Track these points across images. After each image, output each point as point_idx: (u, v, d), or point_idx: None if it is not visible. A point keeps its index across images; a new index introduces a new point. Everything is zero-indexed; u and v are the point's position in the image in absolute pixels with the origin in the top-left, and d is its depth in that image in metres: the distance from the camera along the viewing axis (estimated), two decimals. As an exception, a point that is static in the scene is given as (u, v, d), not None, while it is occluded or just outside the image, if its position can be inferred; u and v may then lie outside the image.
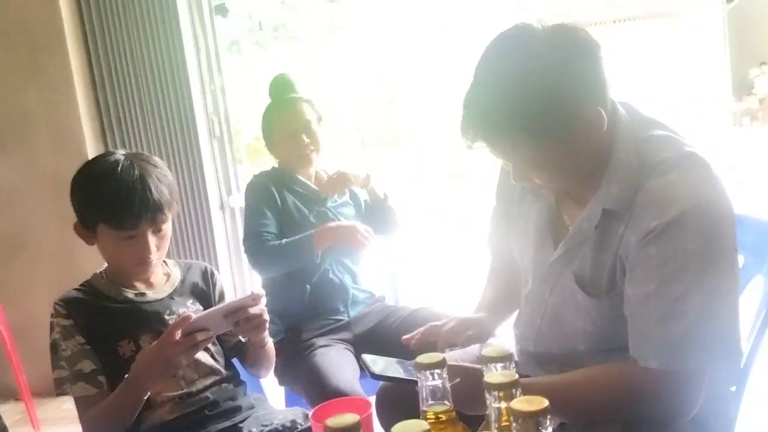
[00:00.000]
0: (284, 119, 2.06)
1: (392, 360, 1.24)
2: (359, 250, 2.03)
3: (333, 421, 0.61)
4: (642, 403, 1.09)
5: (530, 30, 1.11)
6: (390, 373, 1.16)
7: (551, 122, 1.07)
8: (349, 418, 0.61)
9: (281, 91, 2.10)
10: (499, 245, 1.50)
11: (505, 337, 1.47)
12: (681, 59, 11.39)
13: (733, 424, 1.24)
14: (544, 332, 1.29)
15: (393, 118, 13.55)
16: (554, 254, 1.24)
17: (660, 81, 11.01)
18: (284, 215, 2.00)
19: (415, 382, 1.12)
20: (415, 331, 1.41)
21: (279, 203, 2.01)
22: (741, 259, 1.41)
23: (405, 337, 1.41)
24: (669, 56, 11.47)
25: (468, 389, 0.89)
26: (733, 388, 1.26)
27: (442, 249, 6.85)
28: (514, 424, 0.57)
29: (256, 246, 1.95)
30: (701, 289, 1.04)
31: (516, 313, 1.44)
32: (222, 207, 3.28)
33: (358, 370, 1.81)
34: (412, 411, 0.80)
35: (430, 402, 0.73)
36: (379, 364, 1.19)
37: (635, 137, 1.15)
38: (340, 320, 1.99)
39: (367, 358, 1.20)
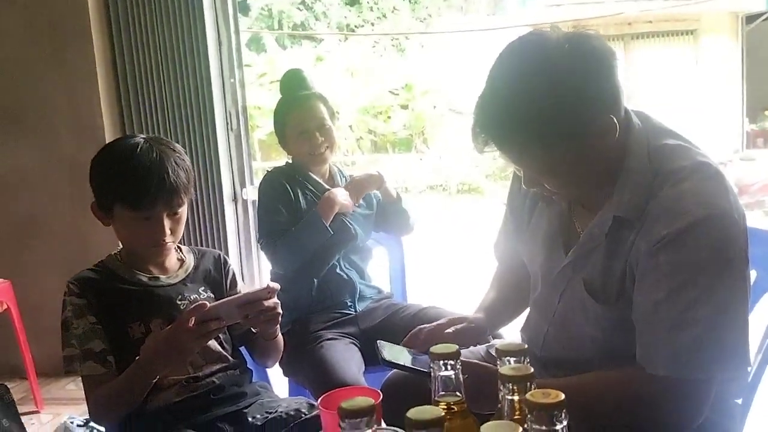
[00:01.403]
0: (297, 116, 2.03)
1: (405, 350, 1.24)
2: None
3: (348, 404, 0.62)
4: (648, 409, 1.09)
5: (545, 37, 1.11)
6: (401, 361, 1.16)
7: (563, 130, 1.08)
8: (365, 401, 0.62)
9: (294, 86, 2.07)
10: (506, 251, 1.50)
11: (510, 340, 1.47)
12: (697, 78, 11.37)
13: (739, 435, 1.24)
14: (552, 337, 1.30)
15: (406, 122, 13.57)
16: (565, 260, 1.24)
17: (675, 99, 10.99)
18: (298, 213, 1.99)
19: (425, 374, 1.13)
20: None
21: (293, 200, 2.00)
22: (753, 274, 1.41)
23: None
24: (685, 74, 11.46)
25: (478, 386, 0.90)
26: (740, 401, 1.26)
27: (452, 250, 6.85)
28: (529, 416, 0.57)
29: (272, 242, 1.96)
30: (711, 298, 1.04)
31: (521, 317, 1.45)
32: (235, 199, 3.30)
33: (363, 364, 1.82)
34: (418, 405, 0.80)
35: (442, 392, 0.74)
36: (391, 351, 1.19)
37: (648, 146, 1.15)
38: (348, 314, 2.00)
39: (383, 344, 1.20)
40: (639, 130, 1.17)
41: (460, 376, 0.74)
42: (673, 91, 11.23)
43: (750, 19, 11.83)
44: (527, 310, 1.44)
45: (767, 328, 1.30)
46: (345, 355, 1.81)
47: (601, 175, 1.16)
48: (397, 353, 1.21)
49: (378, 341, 1.24)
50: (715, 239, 1.05)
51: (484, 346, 1.48)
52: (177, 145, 1.46)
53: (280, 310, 1.37)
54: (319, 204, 1.97)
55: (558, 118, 1.07)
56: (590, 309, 1.20)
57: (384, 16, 14.99)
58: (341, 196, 2.00)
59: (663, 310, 1.07)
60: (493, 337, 1.64)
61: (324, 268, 2.00)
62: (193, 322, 1.25)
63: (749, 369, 1.19)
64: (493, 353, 1.40)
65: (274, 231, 1.97)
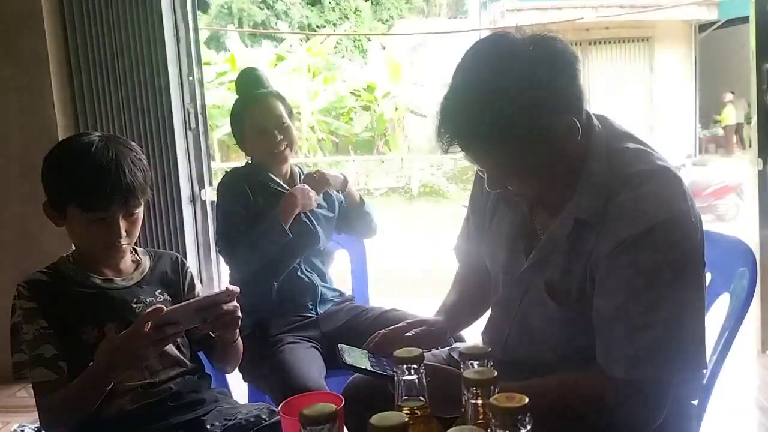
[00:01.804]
0: (255, 115, 2.00)
1: (366, 353, 1.23)
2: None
3: (310, 410, 0.60)
4: (608, 411, 1.10)
5: (509, 39, 1.12)
6: (362, 365, 1.15)
7: (525, 131, 1.08)
8: (327, 407, 0.60)
9: (251, 85, 2.04)
10: (468, 253, 1.50)
11: (474, 343, 1.47)
12: (651, 84, 11.67)
13: (695, 435, 1.26)
14: (513, 339, 1.30)
15: (368, 124, 13.57)
16: (526, 262, 1.25)
17: (630, 104, 11.25)
18: (257, 216, 1.96)
19: (387, 377, 1.12)
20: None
21: (252, 203, 1.97)
22: (708, 276, 1.44)
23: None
24: (640, 80, 11.74)
25: (442, 390, 0.89)
26: (696, 402, 1.28)
27: (413, 252, 6.87)
28: (493, 421, 0.57)
29: (230, 245, 1.93)
30: (670, 300, 1.06)
31: (482, 319, 1.45)
32: (193, 200, 3.24)
33: (325, 368, 1.80)
34: (379, 410, 0.79)
35: (406, 397, 0.73)
36: (352, 354, 1.18)
37: (609, 149, 1.16)
38: (309, 317, 1.98)
39: (344, 347, 1.19)
40: (599, 133, 1.18)
41: (424, 380, 0.73)
42: (628, 97, 11.50)
43: (703, 27, 12.20)
44: (488, 312, 1.44)
45: (721, 330, 1.33)
46: (306, 360, 1.79)
47: (563, 177, 1.17)
48: (358, 357, 1.20)
49: (339, 345, 1.23)
50: (674, 242, 1.07)
51: (446, 349, 1.48)
52: (133, 143, 1.42)
53: (239, 314, 1.34)
54: (279, 206, 1.95)
55: (522, 119, 1.07)
56: (551, 310, 1.21)
57: (346, 17, 14.98)
58: (301, 195, 1.97)
59: (622, 312, 1.08)
60: (455, 340, 1.64)
61: (284, 270, 1.97)
62: (149, 327, 1.22)
63: (705, 371, 1.22)
64: (456, 356, 1.40)
65: (232, 234, 1.93)
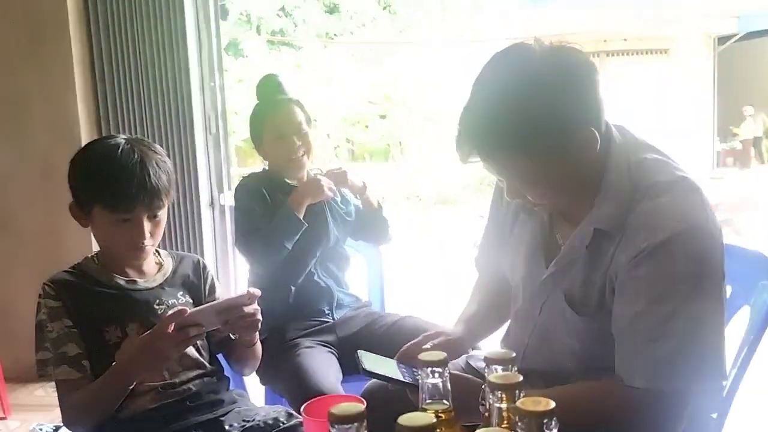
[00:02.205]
0: (274, 121, 2.03)
1: (386, 359, 1.23)
2: (328, 198, 2.03)
3: (338, 410, 0.61)
4: (625, 421, 1.10)
5: (528, 49, 1.13)
6: (381, 371, 1.15)
7: (546, 141, 1.09)
8: (355, 406, 0.61)
9: (270, 92, 2.07)
10: (488, 262, 1.51)
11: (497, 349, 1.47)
12: (670, 97, 11.60)
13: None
14: (533, 349, 1.30)
15: (384, 132, 13.61)
16: (546, 272, 1.25)
17: (648, 117, 11.18)
18: (273, 216, 1.97)
19: (406, 384, 1.13)
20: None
21: (269, 205, 1.99)
22: (729, 289, 1.44)
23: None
24: (658, 93, 11.68)
25: (463, 398, 0.89)
26: (715, 415, 1.28)
27: (429, 260, 6.86)
28: (519, 424, 0.57)
29: (247, 241, 1.95)
30: (689, 310, 1.06)
31: (502, 329, 1.45)
32: (212, 204, 3.27)
33: (341, 373, 1.81)
34: (398, 414, 0.79)
35: (429, 400, 0.74)
36: (372, 360, 1.18)
37: (628, 159, 1.17)
38: (325, 322, 1.99)
39: (362, 353, 1.19)
40: (619, 144, 1.18)
41: (448, 384, 0.74)
42: (646, 110, 11.43)
43: (722, 40, 12.12)
44: (507, 322, 1.44)
45: (741, 343, 1.32)
46: (323, 364, 1.80)
47: (583, 187, 1.18)
48: (377, 363, 1.21)
49: (358, 351, 1.23)
50: (693, 253, 1.07)
51: (463, 357, 1.48)
52: (158, 146, 1.44)
53: (260, 317, 1.35)
54: (290, 196, 1.97)
55: (542, 130, 1.08)
56: (570, 321, 1.21)
57: (363, 25, 15.02)
58: (312, 184, 1.99)
59: (641, 322, 1.08)
60: (472, 349, 1.64)
61: (302, 272, 1.99)
62: (172, 328, 1.23)
63: (724, 383, 1.21)
64: (473, 364, 1.41)
65: (250, 231, 1.96)
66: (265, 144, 2.06)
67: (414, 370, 1.19)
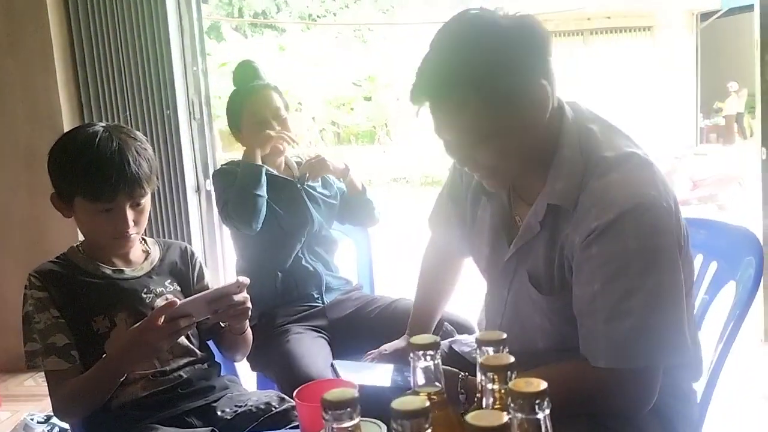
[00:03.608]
0: (252, 107, 2.01)
1: (361, 364, 1.23)
2: (280, 152, 2.05)
3: (331, 395, 0.61)
4: (595, 400, 1.11)
5: (486, 10, 1.14)
6: (368, 383, 1.14)
7: (499, 90, 1.09)
8: (348, 391, 0.61)
9: (247, 77, 2.06)
10: (438, 223, 1.53)
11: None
12: (653, 73, 11.64)
13: (699, 422, 1.27)
14: (506, 330, 1.30)
15: (369, 114, 13.56)
16: (508, 253, 1.25)
17: (632, 93, 11.22)
18: None
19: (387, 389, 1.13)
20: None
21: None
22: (714, 265, 1.45)
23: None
24: (642, 69, 11.71)
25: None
26: (696, 385, 1.29)
27: (418, 241, 6.87)
28: (512, 405, 0.58)
29: (225, 207, 1.96)
30: (644, 287, 1.06)
31: (477, 308, 1.46)
32: (198, 190, 3.25)
33: (331, 357, 1.81)
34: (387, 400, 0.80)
35: (421, 384, 0.74)
36: (352, 370, 1.18)
37: (579, 133, 1.17)
38: (315, 306, 1.99)
39: (338, 364, 1.20)
40: (571, 120, 1.18)
41: (440, 366, 0.74)
42: (630, 86, 11.47)
43: (705, 16, 12.16)
44: (482, 302, 1.45)
45: (728, 317, 1.34)
46: (313, 350, 1.80)
47: (535, 161, 1.18)
48: (355, 372, 1.20)
49: (332, 362, 1.24)
50: (644, 228, 1.06)
51: (447, 341, 1.49)
52: (138, 133, 1.42)
53: (249, 305, 1.35)
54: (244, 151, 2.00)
55: (495, 78, 1.08)
56: (536, 300, 1.21)
57: (346, 6, 14.90)
58: (261, 138, 1.99)
59: (599, 302, 1.08)
60: (452, 333, 1.64)
61: (287, 257, 1.98)
62: (162, 320, 1.23)
63: (696, 353, 1.22)
64: (457, 349, 1.42)
65: (226, 198, 1.96)
66: (243, 130, 2.05)
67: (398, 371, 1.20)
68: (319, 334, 1.91)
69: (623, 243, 1.06)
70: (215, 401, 1.42)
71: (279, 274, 1.98)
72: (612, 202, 1.07)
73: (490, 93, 1.09)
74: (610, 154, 1.13)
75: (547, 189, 1.16)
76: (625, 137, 1.19)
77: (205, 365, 1.47)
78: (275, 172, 2.05)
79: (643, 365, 1.08)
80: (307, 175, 2.04)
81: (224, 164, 2.12)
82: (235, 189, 1.94)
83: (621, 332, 1.06)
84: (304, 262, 2.01)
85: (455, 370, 1.14)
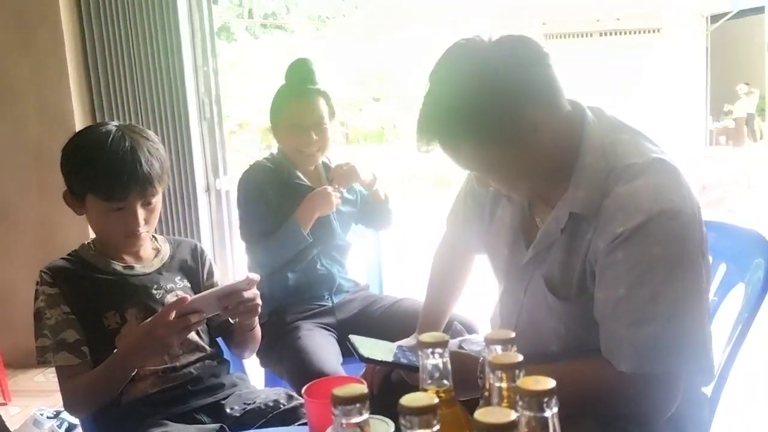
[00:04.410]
0: (296, 110, 1.94)
1: (380, 342, 1.24)
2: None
3: (341, 391, 0.62)
4: (615, 403, 1.11)
5: (476, 40, 1.14)
6: (378, 357, 1.16)
7: (493, 123, 1.09)
8: (358, 387, 0.62)
9: (299, 78, 1.96)
10: (455, 223, 1.53)
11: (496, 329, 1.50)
12: (662, 75, 11.58)
13: (708, 426, 1.27)
14: (521, 332, 1.31)
15: (378, 115, 13.57)
16: (526, 256, 1.25)
17: (640, 95, 11.17)
18: (280, 214, 1.94)
19: (403, 366, 1.14)
20: None
21: (274, 203, 1.95)
22: (723, 267, 1.45)
23: None
24: (651, 72, 11.66)
25: (463, 374, 0.90)
26: (708, 390, 1.29)
27: (427, 241, 6.86)
28: (520, 403, 0.58)
29: (253, 247, 1.95)
30: (669, 292, 1.06)
31: (489, 310, 1.47)
32: (208, 189, 3.26)
33: (341, 355, 1.82)
34: (397, 394, 0.80)
35: (430, 381, 0.75)
36: (366, 346, 1.18)
37: (603, 141, 1.16)
38: (324, 305, 1.99)
39: (355, 339, 1.18)
40: (593, 126, 1.17)
41: (448, 364, 0.75)
42: (639, 88, 11.42)
43: (715, 18, 12.09)
44: (497, 302, 1.45)
45: (736, 319, 1.33)
46: (323, 346, 1.81)
47: (556, 170, 1.17)
48: (371, 348, 1.21)
49: (350, 336, 1.21)
50: (669, 234, 1.06)
51: (456, 340, 1.50)
52: (151, 133, 1.43)
53: (259, 302, 1.36)
54: (298, 210, 1.92)
55: (487, 112, 1.08)
56: (552, 305, 1.21)
57: (356, 7, 14.91)
58: (321, 199, 1.93)
59: (623, 307, 1.08)
60: (464, 332, 1.65)
61: (300, 262, 1.99)
62: (173, 316, 1.24)
63: (712, 359, 1.22)
64: (466, 348, 1.42)
65: (255, 235, 1.94)
66: (281, 129, 1.98)
67: (406, 350, 1.20)
68: (329, 332, 1.92)
69: (649, 249, 1.06)
70: (224, 399, 1.43)
71: (293, 275, 1.98)
72: (638, 208, 1.07)
73: (485, 131, 1.10)
74: (637, 160, 1.13)
75: (568, 196, 1.16)
76: (652, 143, 1.18)
77: (215, 362, 1.48)
78: (305, 181, 2.01)
79: (665, 370, 1.08)
80: (335, 182, 2.00)
81: (251, 167, 2.03)
82: (272, 243, 1.91)
83: (645, 337, 1.06)
84: (319, 266, 2.00)
85: (476, 356, 1.14)
